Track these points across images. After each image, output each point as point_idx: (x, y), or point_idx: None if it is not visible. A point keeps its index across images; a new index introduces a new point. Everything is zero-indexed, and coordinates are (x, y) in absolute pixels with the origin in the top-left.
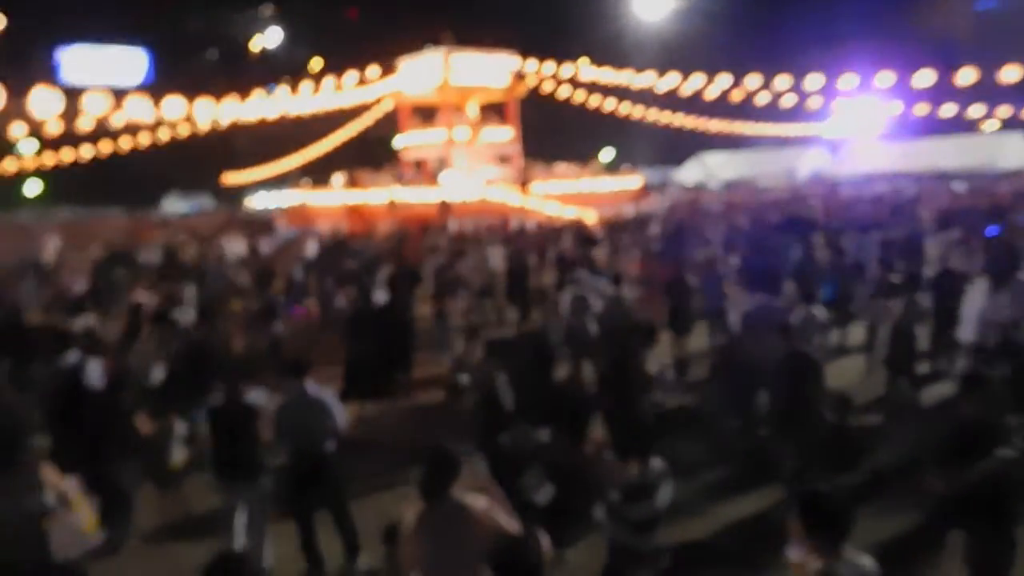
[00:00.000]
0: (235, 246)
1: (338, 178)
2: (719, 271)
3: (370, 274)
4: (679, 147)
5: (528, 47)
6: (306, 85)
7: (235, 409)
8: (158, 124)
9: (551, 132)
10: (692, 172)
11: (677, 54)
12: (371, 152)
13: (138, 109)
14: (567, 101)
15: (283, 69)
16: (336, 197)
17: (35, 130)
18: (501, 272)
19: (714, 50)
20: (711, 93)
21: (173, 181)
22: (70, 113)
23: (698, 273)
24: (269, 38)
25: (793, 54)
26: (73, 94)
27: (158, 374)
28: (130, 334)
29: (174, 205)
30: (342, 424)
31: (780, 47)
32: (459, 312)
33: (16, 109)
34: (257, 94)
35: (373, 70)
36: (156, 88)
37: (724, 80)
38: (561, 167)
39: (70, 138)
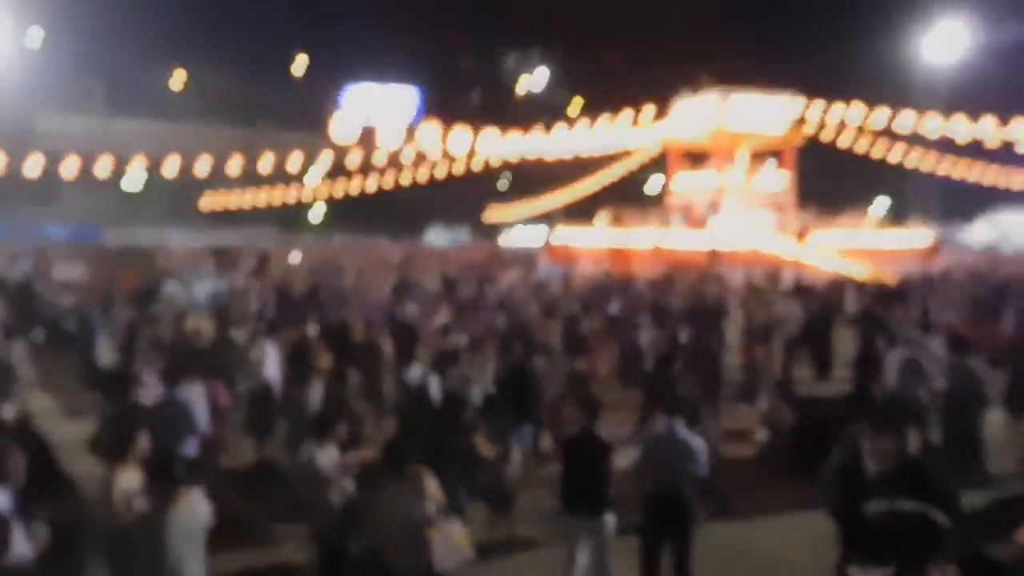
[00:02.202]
0: (509, 279)
1: (601, 217)
2: None
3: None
4: (964, 202)
5: (804, 89)
6: (574, 126)
7: (590, 441)
8: (436, 161)
9: (823, 178)
10: (981, 232)
11: (974, 99)
12: (629, 192)
13: (423, 141)
14: (849, 148)
15: (545, 111)
16: (598, 237)
17: (327, 161)
18: (794, 324)
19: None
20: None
21: (436, 213)
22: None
23: None
24: (535, 79)
25: None
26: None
27: (478, 395)
28: (446, 355)
29: (436, 236)
30: (704, 470)
31: None
32: (768, 362)
33: (313, 140)
34: (523, 132)
35: (640, 113)
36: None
37: None
38: (839, 218)
39: (354, 169)
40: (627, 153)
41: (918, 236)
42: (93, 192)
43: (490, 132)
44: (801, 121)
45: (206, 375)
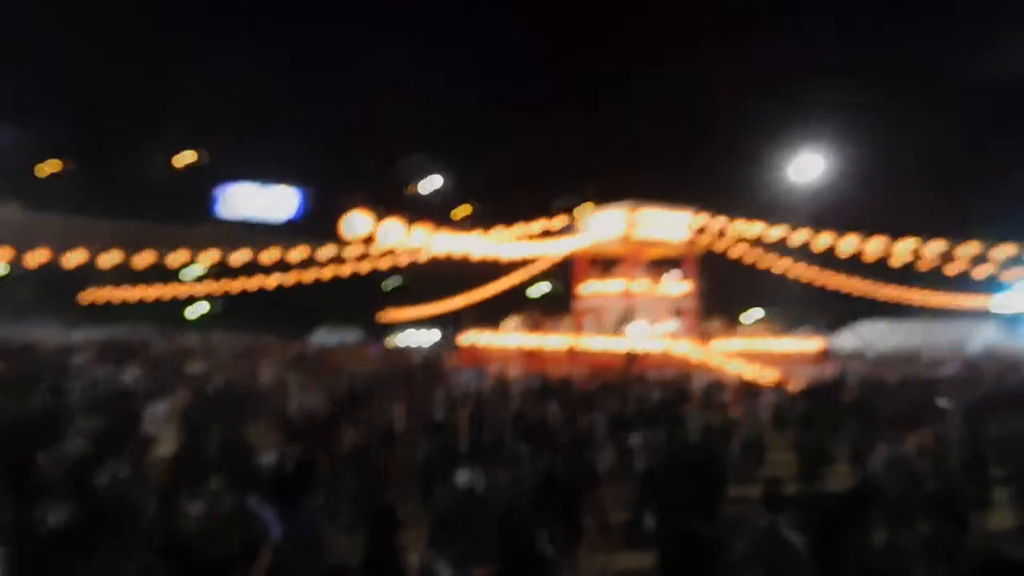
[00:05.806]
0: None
1: (512, 320)
2: None
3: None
4: (832, 313)
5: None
6: (490, 231)
7: None
8: (327, 262)
9: (721, 287)
10: (848, 340)
11: (844, 216)
12: (515, 297)
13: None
14: (739, 260)
15: (436, 214)
16: (507, 339)
17: (206, 258)
18: None
19: (887, 214)
20: (872, 255)
21: (324, 314)
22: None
23: None
24: (426, 185)
25: (975, 221)
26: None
27: None
28: None
29: (323, 336)
30: None
31: (957, 214)
32: None
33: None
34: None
35: (550, 222)
36: (306, 223)
37: (904, 246)
38: (744, 325)
39: (241, 268)
40: (528, 261)
41: (809, 342)
42: None
43: (392, 222)
44: (700, 231)
45: None
